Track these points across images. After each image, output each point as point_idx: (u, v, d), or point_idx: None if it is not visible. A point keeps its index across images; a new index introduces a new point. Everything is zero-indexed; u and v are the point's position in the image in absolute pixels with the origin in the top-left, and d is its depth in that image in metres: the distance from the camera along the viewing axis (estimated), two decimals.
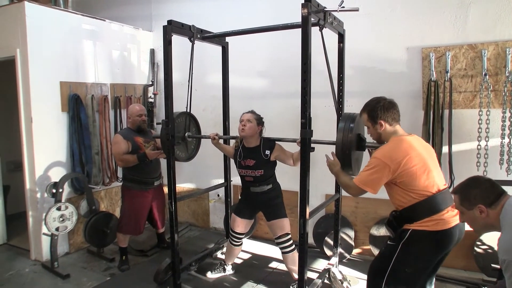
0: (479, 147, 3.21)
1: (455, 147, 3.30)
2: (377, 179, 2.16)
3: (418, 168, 2.13)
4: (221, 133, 3.93)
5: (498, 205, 1.69)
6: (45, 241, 3.80)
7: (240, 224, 3.28)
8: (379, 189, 2.19)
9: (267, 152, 3.08)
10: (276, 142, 3.15)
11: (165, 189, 4.14)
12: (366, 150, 2.61)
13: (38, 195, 3.82)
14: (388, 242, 2.28)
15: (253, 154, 3.10)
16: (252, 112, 3.14)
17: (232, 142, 3.48)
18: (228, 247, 3.44)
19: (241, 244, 3.41)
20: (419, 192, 2.13)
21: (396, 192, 2.21)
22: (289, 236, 3.09)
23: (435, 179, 2.18)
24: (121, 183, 3.89)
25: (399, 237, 2.19)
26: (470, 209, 1.76)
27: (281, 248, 3.11)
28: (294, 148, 2.99)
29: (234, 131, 4.00)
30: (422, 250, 2.13)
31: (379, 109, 2.26)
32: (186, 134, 3.52)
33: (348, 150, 2.45)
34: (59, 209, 3.63)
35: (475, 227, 1.81)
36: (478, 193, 1.74)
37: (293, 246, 3.09)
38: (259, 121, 3.12)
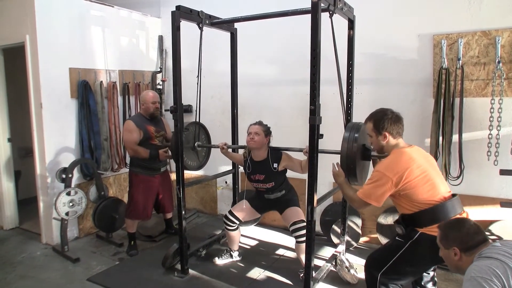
0: (490, 136, 3.16)
1: (465, 136, 3.26)
2: (380, 192, 2.19)
3: (420, 179, 2.16)
4: (229, 120, 3.94)
5: (474, 253, 1.66)
6: (56, 226, 3.86)
7: (244, 211, 3.30)
8: (383, 201, 2.22)
9: (275, 165, 3.11)
10: (282, 152, 3.16)
11: (172, 176, 4.18)
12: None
13: (49, 180, 3.87)
14: (396, 238, 2.31)
15: (262, 168, 3.14)
16: (260, 123, 3.14)
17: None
18: (226, 233, 3.45)
19: (236, 228, 3.38)
20: (424, 202, 2.17)
21: (402, 202, 2.25)
22: (305, 223, 3.07)
23: (438, 188, 2.20)
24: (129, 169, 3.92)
25: (408, 236, 2.22)
26: (446, 248, 1.78)
27: (296, 237, 3.06)
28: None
29: (242, 118, 3.99)
30: (428, 254, 2.15)
31: (387, 121, 2.27)
32: (195, 144, 3.54)
33: (352, 162, 2.47)
34: (68, 194, 3.68)
35: (448, 265, 1.83)
36: (457, 236, 1.74)
37: None
38: (267, 132, 3.13)
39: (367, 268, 2.40)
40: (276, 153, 3.14)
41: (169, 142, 3.64)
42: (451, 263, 1.78)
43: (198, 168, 3.68)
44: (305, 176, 2.66)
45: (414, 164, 2.17)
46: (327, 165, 3.33)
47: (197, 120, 3.46)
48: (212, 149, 3.81)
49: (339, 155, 2.54)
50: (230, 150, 3.50)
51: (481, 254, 1.62)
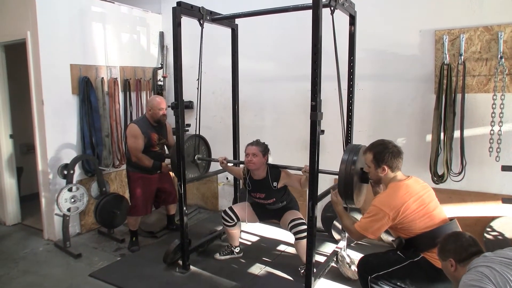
0: (492, 132, 3.15)
1: (467, 132, 3.25)
2: (377, 226, 2.22)
3: (417, 213, 2.19)
4: (230, 116, 3.93)
5: (467, 264, 1.74)
6: (57, 222, 3.87)
7: (245, 212, 3.31)
8: (380, 234, 2.28)
9: (275, 184, 3.13)
10: (281, 170, 3.17)
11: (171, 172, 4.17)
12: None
13: (50, 176, 3.88)
14: (398, 252, 2.33)
15: (262, 187, 3.16)
16: (257, 143, 3.14)
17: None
18: (225, 230, 3.46)
19: (235, 225, 3.39)
20: (421, 232, 2.20)
21: (399, 231, 2.29)
22: (304, 220, 3.09)
23: (436, 220, 2.23)
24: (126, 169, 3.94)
25: (410, 255, 2.25)
26: (444, 260, 1.87)
27: (295, 233, 3.07)
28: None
29: (242, 114, 3.99)
30: (423, 279, 2.18)
31: (387, 154, 2.28)
32: (196, 157, 3.56)
33: (350, 187, 2.47)
34: (70, 190, 3.69)
35: (448, 276, 1.90)
36: (452, 249, 1.83)
37: None
38: (265, 152, 3.13)
39: (359, 267, 2.45)
40: (275, 172, 3.15)
41: (170, 149, 3.67)
42: (449, 274, 1.87)
43: (198, 179, 3.69)
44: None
45: (411, 198, 2.19)
46: (328, 161, 3.36)
47: (198, 132, 3.50)
48: (213, 146, 3.81)
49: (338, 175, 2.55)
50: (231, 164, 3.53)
51: (471, 265, 1.70)
